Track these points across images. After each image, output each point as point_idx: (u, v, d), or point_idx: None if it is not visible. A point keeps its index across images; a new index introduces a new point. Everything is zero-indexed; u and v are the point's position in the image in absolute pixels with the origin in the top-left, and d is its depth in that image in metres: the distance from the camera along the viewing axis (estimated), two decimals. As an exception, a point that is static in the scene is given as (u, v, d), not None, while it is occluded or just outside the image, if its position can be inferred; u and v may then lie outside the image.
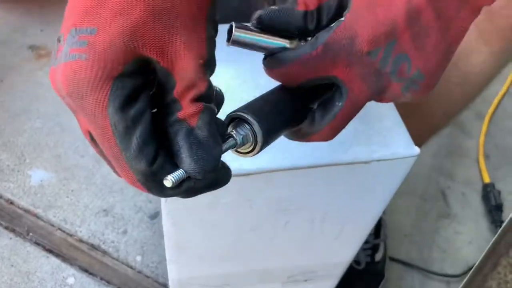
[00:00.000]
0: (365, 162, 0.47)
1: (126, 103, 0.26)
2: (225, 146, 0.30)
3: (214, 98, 0.29)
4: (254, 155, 0.33)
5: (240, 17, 0.57)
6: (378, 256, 0.93)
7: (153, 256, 0.93)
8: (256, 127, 0.32)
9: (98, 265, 0.92)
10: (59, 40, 0.27)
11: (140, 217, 0.99)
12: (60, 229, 0.95)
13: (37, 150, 1.07)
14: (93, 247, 0.94)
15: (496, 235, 0.75)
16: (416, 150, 0.48)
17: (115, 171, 0.30)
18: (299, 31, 0.34)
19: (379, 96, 0.36)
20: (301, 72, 0.34)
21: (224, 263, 0.58)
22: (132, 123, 0.26)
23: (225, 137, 0.31)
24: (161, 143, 0.28)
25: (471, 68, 0.67)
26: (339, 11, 0.34)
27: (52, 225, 0.96)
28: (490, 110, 1.29)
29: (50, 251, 0.93)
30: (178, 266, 0.56)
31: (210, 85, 0.29)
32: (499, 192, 1.10)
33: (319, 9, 0.34)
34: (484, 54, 0.64)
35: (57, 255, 0.92)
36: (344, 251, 0.64)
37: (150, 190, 0.29)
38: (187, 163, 0.27)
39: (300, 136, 0.37)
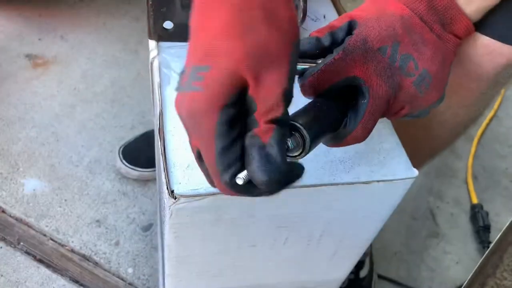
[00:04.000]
0: (366, 183, 0.48)
1: (227, 130, 0.33)
2: None
3: (288, 125, 0.35)
4: (302, 158, 0.38)
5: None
6: (363, 273, 0.94)
7: (145, 269, 0.93)
8: (305, 133, 0.37)
9: (89, 276, 0.91)
10: (183, 72, 0.35)
11: (132, 229, 0.99)
12: (52, 239, 0.95)
13: (31, 159, 1.07)
14: (85, 258, 0.93)
15: (484, 256, 0.77)
16: (415, 171, 0.50)
17: (211, 182, 0.37)
18: (320, 52, 0.42)
19: (395, 94, 0.42)
20: (328, 76, 0.40)
21: (222, 278, 0.59)
22: (228, 147, 0.33)
23: None
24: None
25: (432, 116, 0.65)
26: (349, 32, 0.42)
27: (44, 235, 0.95)
28: (479, 133, 1.33)
29: (41, 261, 0.92)
30: (177, 280, 0.57)
31: (285, 112, 0.34)
32: (487, 213, 1.12)
33: (332, 34, 0.42)
34: (442, 105, 0.65)
35: (48, 265, 0.92)
36: (339, 268, 0.65)
37: (233, 194, 0.36)
38: (257, 174, 0.32)
39: (338, 140, 0.42)
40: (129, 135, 1.13)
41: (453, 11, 0.44)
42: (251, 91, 0.33)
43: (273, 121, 0.33)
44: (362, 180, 0.48)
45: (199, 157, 0.36)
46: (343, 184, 0.48)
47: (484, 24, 0.49)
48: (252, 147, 0.33)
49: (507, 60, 0.52)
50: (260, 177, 0.32)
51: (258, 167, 0.32)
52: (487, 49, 0.51)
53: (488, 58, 0.52)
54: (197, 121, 0.33)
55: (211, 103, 0.32)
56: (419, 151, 0.73)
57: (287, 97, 0.34)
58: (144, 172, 1.04)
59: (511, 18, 0.48)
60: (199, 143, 0.34)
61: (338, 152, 0.50)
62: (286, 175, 0.34)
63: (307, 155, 0.38)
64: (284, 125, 0.34)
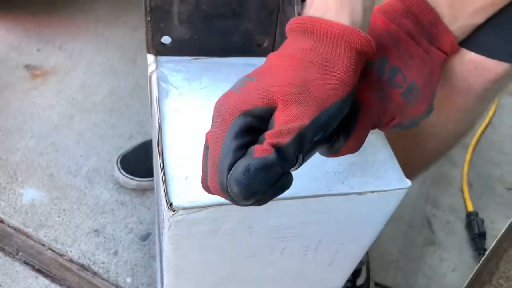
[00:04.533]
0: (360, 193, 0.49)
1: (239, 133, 0.35)
2: None
3: (292, 160, 0.35)
4: (296, 169, 0.38)
5: (241, 52, 0.60)
6: (360, 281, 0.94)
7: (143, 278, 0.94)
8: None
9: (87, 286, 0.92)
10: None
11: (131, 238, 0.99)
12: (50, 249, 0.95)
13: (30, 169, 1.07)
14: (83, 267, 0.94)
15: (479, 263, 0.78)
16: (408, 182, 0.51)
17: (204, 178, 0.37)
18: None
19: (385, 106, 0.43)
20: None
21: (220, 288, 0.60)
22: (233, 149, 0.34)
23: None
24: None
25: (423, 127, 0.66)
26: None
27: (43, 245, 0.96)
28: (474, 141, 1.34)
29: (39, 271, 0.92)
30: (175, 290, 0.57)
31: (291, 145, 0.35)
32: (482, 221, 1.13)
33: None
34: (432, 117, 0.65)
35: (47, 275, 0.92)
36: (336, 277, 0.66)
37: (221, 196, 0.36)
38: (230, 182, 0.33)
39: (332, 151, 0.44)
40: (128, 145, 1.14)
41: (439, 27, 0.46)
42: (276, 113, 0.36)
43: (275, 146, 0.34)
44: (357, 190, 0.49)
45: (206, 148, 0.37)
46: (338, 194, 0.48)
47: (470, 40, 0.50)
48: (244, 157, 0.34)
49: (494, 75, 0.53)
50: (230, 186, 0.33)
51: (231, 175, 0.33)
52: (474, 64, 0.53)
53: (475, 73, 0.53)
54: (220, 114, 0.36)
55: (236, 104, 0.36)
56: (411, 163, 0.74)
57: (301, 134, 0.35)
58: (142, 182, 1.05)
59: (495, 32, 0.50)
60: (211, 135, 0.36)
61: (333, 163, 0.51)
62: (256, 195, 0.34)
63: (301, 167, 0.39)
64: (282, 155, 0.34)
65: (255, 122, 0.36)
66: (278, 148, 0.34)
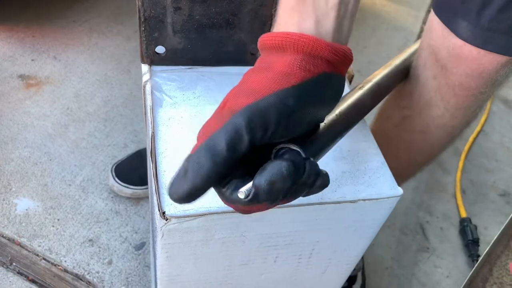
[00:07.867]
0: (352, 201, 0.50)
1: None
2: None
3: (223, 150, 0.35)
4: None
5: (235, 62, 0.61)
6: (356, 287, 0.95)
7: (138, 287, 0.93)
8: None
9: (82, 296, 0.92)
10: None
11: (125, 247, 0.99)
12: (44, 258, 0.95)
13: (24, 178, 1.07)
14: (78, 277, 0.94)
15: (473, 270, 0.78)
16: (400, 190, 0.51)
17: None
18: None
19: None
20: None
21: (214, 296, 0.60)
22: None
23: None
24: None
25: (431, 120, 0.69)
26: None
27: (37, 255, 0.95)
28: (466, 148, 1.35)
29: (33, 281, 0.92)
30: (169, 299, 0.57)
31: (220, 133, 0.35)
32: (475, 227, 1.14)
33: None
34: (441, 108, 0.67)
35: (41, 285, 0.92)
36: (330, 284, 0.66)
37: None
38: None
39: None
40: (122, 154, 1.14)
41: None
42: None
43: (208, 138, 0.36)
44: (349, 199, 0.49)
45: None
46: (330, 203, 0.49)
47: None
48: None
49: (507, 58, 0.55)
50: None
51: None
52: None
53: (490, 56, 0.56)
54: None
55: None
56: (416, 157, 0.75)
57: (233, 123, 0.34)
58: (137, 190, 1.05)
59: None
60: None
61: (326, 171, 0.51)
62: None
63: None
64: (211, 144, 0.35)
65: None
66: (208, 140, 0.35)
